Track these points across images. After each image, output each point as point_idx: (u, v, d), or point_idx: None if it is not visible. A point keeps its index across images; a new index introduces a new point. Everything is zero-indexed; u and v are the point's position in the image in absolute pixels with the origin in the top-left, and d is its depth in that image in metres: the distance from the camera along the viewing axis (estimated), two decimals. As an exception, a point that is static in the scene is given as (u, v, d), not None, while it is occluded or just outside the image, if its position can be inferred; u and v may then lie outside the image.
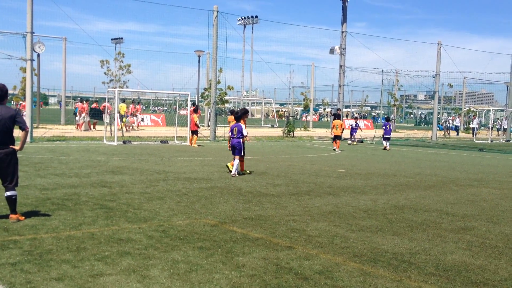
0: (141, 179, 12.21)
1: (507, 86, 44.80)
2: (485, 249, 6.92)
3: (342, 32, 35.00)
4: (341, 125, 25.05)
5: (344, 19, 34.97)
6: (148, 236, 6.94)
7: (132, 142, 24.17)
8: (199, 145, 24.03)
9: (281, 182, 12.60)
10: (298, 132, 38.45)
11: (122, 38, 63.54)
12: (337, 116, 26.32)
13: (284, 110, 77.43)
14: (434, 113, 40.95)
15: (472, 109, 52.70)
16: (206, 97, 33.14)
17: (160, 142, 25.20)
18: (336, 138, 24.72)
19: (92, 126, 34.09)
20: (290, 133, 34.42)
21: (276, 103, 79.76)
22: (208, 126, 34.91)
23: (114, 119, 25.47)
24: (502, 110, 51.63)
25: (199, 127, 24.16)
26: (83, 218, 7.88)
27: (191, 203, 9.42)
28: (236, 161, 13.60)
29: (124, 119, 35.71)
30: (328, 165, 17.41)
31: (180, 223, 7.80)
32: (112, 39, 59.03)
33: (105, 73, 28.32)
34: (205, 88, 35.49)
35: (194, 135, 23.89)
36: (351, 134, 30.67)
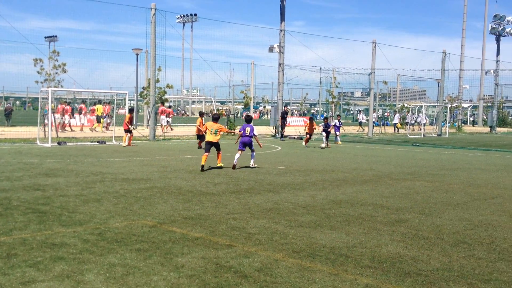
0: (77, 181, 11.86)
1: (438, 82, 46.65)
2: (418, 240, 7.17)
3: (281, 30, 35.33)
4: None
5: (282, 18, 35.31)
6: (83, 240, 6.74)
7: (68, 143, 23.43)
8: (134, 145, 23.55)
9: (221, 181, 12.58)
10: (239, 130, 38.50)
11: (56, 36, 61.39)
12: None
13: (224, 108, 77.41)
14: (370, 110, 42.09)
15: (406, 105, 54.52)
16: (145, 96, 32.59)
17: (97, 142, 24.58)
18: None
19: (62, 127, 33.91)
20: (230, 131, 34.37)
21: (216, 102, 79.55)
22: (148, 125, 34.37)
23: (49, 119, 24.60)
24: (434, 106, 53.72)
25: (132, 128, 23.66)
26: (14, 223, 7.56)
27: (129, 204, 9.23)
28: (253, 154, 15.98)
29: (102, 120, 35.36)
30: (269, 162, 17.54)
31: (117, 225, 7.62)
32: (45, 37, 57.00)
33: (38, 72, 27.28)
34: (143, 87, 34.88)
35: (128, 134, 23.31)
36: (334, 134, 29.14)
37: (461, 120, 59.36)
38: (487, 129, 54.73)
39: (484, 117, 65.83)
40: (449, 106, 49.21)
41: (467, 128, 59.78)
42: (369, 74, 40.65)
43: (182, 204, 9.41)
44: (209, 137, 15.28)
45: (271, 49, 36.42)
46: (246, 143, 15.86)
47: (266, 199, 10.14)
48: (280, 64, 35.70)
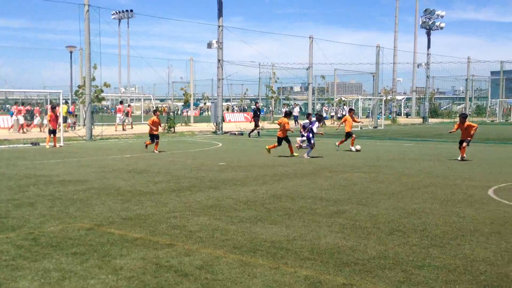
0: (9, 185, 11.38)
1: (373, 76, 47.98)
2: (355, 230, 7.36)
3: (219, 26, 35.22)
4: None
5: (220, 14, 35.20)
6: (16, 245, 6.48)
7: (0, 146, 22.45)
8: (59, 146, 22.64)
9: (162, 179, 12.42)
10: (179, 128, 38.16)
11: (-18, 34, 58.46)
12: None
13: (164, 106, 76.43)
14: (309, 104, 42.77)
15: (343, 98, 55.80)
16: (80, 95, 31.68)
17: (31, 144, 23.67)
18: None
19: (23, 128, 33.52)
20: (170, 129, 34.05)
21: (156, 99, 78.42)
22: (84, 125, 33.43)
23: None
24: (370, 99, 55.22)
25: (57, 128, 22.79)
26: None
27: (65, 207, 8.95)
28: (311, 149, 17.64)
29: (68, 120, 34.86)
30: (210, 159, 17.49)
31: (53, 229, 7.38)
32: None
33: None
34: (79, 85, 33.89)
35: (52, 134, 22.39)
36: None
37: (396, 112, 61.36)
38: (420, 120, 56.82)
39: (417, 108, 68.31)
40: (384, 98, 50.76)
41: (402, 119, 61.83)
42: (307, 69, 41.29)
43: (121, 204, 9.23)
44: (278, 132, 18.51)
45: (209, 45, 36.25)
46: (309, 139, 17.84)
47: (207, 196, 10.11)
48: (219, 60, 35.61)
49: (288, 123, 18.74)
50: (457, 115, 57.84)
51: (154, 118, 20.23)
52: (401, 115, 74.39)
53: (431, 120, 57.08)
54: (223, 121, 39.24)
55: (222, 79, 35.88)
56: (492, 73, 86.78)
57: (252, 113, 33.17)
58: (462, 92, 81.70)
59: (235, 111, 75.90)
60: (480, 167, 15.02)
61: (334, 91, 65.22)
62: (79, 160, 17.09)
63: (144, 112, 63.48)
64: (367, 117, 54.85)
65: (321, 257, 6.02)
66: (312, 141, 18.03)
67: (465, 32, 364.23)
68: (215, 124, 35.20)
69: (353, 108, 26.27)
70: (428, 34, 58.90)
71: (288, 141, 18.54)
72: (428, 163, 16.24)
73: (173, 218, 8.14)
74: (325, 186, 11.48)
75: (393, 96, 60.94)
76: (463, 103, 68.15)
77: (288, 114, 19.61)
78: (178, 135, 31.98)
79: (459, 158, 16.68)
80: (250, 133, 30.98)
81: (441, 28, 59.26)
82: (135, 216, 8.27)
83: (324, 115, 51.27)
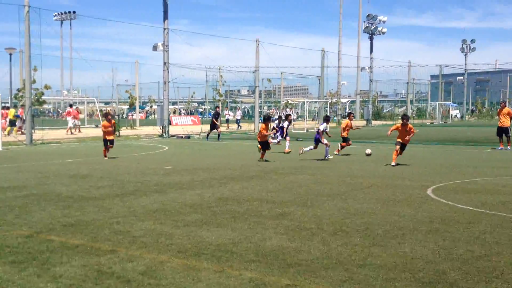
0: None
1: (319, 79, 48.74)
2: (300, 232, 7.44)
3: (164, 29, 34.86)
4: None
5: (165, 16, 34.84)
6: None
7: None
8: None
9: (105, 184, 12.16)
10: (125, 131, 37.47)
11: None
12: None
13: (109, 109, 74.94)
14: (256, 107, 42.96)
15: (289, 101, 56.37)
16: (20, 98, 30.59)
17: (-33, 149, 22.64)
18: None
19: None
20: (116, 133, 33.36)
21: (100, 102, 76.73)
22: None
23: None
24: (316, 102, 56.04)
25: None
26: None
27: (2, 215, 8.61)
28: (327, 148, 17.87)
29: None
30: (155, 163, 17.27)
31: (-11, 237, 7.08)
32: None
33: None
34: (18, 88, 32.71)
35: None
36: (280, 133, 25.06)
37: (341, 114, 62.54)
38: (364, 122, 58.16)
39: (361, 111, 69.88)
40: (329, 101, 51.66)
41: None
42: (253, 72, 41.46)
43: (62, 210, 8.97)
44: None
45: (155, 48, 35.78)
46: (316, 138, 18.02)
47: (152, 200, 9.97)
48: (165, 63, 35.23)
49: (264, 128, 17.92)
50: (399, 116, 59.45)
51: (105, 122, 19.11)
52: (346, 117, 75.87)
53: (374, 122, 58.54)
54: (170, 124, 38.86)
55: (168, 82, 35.52)
56: (432, 76, 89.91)
57: (211, 116, 33.12)
58: (404, 95, 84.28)
59: (182, 114, 75.28)
60: (419, 167, 15.52)
61: (281, 94, 65.80)
62: (19, 165, 16.48)
63: (87, 115, 61.93)
64: (313, 119, 55.68)
65: (266, 259, 6.06)
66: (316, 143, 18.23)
67: (406, 37, 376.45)
68: (161, 127, 34.79)
69: (352, 112, 22.88)
70: (371, 39, 60.41)
71: (264, 147, 17.92)
72: (371, 164, 16.64)
73: (116, 223, 7.98)
74: (271, 188, 11.56)
75: (338, 99, 62.09)
76: (405, 105, 70.21)
77: (266, 119, 18.53)
78: (123, 139, 31.38)
79: (393, 164, 15.78)
80: (207, 135, 31.06)
81: (383, 33, 60.91)
82: (76, 222, 8.06)
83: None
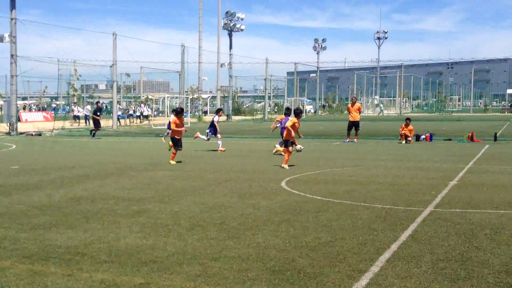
0: None
1: (180, 74, 48.58)
2: (156, 228, 7.34)
3: (12, 19, 32.29)
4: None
5: (13, 5, 32.27)
6: None
7: None
8: None
9: None
10: (-35, 129, 34.12)
11: None
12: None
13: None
14: (114, 102, 41.65)
15: (150, 97, 55.43)
16: None
17: None
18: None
19: None
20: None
21: None
22: None
23: None
24: (177, 97, 55.81)
25: None
26: None
27: None
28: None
29: None
30: (0, 163, 15.94)
31: None
32: None
33: None
34: None
35: None
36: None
37: (202, 110, 62.97)
38: (224, 117, 59.13)
39: (222, 106, 70.99)
40: (191, 97, 51.74)
41: (208, 118, 63.63)
42: (111, 66, 40.11)
43: None
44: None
45: (1, 39, 33.05)
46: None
47: (-6, 204, 9.18)
48: (12, 56, 32.67)
49: (176, 122, 15.44)
50: (257, 112, 61.37)
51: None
52: (207, 113, 76.63)
53: (234, 118, 59.82)
54: (19, 121, 36.19)
55: (17, 76, 33.00)
56: (288, 73, 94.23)
57: (93, 113, 30.75)
58: (263, 91, 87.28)
59: (33, 110, 70.43)
60: (274, 161, 16.13)
61: (141, 89, 64.53)
62: None
63: None
64: (138, 117, 55.23)
65: (119, 259, 5.88)
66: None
67: (264, 35, 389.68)
68: (8, 124, 32.22)
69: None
70: (230, 36, 61.48)
71: (177, 145, 15.51)
72: (229, 158, 16.96)
73: (-49, 230, 7.22)
74: (128, 185, 11.26)
75: (199, 94, 62.43)
76: (263, 101, 72.65)
77: (179, 112, 15.81)
78: (-37, 137, 28.55)
79: (286, 167, 13.99)
80: (93, 134, 28.20)
81: (242, 30, 62.28)
82: None
83: (131, 112, 50.40)
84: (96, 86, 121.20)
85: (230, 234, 7.02)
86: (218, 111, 20.95)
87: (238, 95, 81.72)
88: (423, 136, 24.65)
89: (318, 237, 6.81)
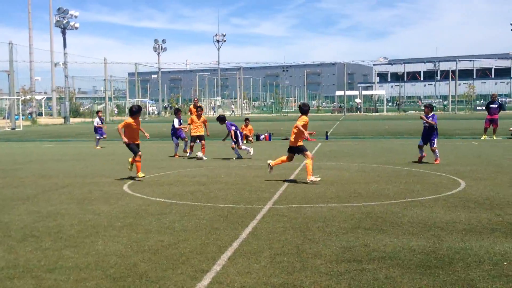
0: None
1: (8, 74, 44.79)
2: (-18, 242, 6.68)
3: None
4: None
5: None
6: None
7: None
8: None
9: None
10: None
11: None
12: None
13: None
14: None
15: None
16: None
17: None
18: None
19: None
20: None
21: None
22: None
23: None
24: (6, 99, 51.40)
25: None
26: None
27: None
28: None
29: None
30: None
31: None
32: None
33: None
34: None
35: None
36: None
37: (36, 112, 58.83)
38: (62, 120, 55.91)
39: (59, 108, 66.99)
40: (23, 98, 47.94)
41: (43, 120, 59.52)
42: None
43: None
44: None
45: None
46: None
47: None
48: None
49: (127, 124, 12.50)
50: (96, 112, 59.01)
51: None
52: (42, 115, 71.68)
53: (72, 120, 56.82)
54: None
55: None
56: (129, 74, 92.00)
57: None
58: (103, 92, 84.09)
59: None
60: (116, 164, 15.64)
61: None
62: None
63: None
64: (4, 118, 50.94)
65: None
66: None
67: (102, 34, 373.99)
68: None
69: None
70: (64, 34, 58.22)
71: (133, 151, 12.46)
72: (68, 163, 16.08)
73: None
74: None
75: (32, 95, 58.18)
76: (103, 102, 70.00)
77: (135, 112, 12.57)
78: None
79: (316, 179, 11.30)
80: None
81: (76, 28, 59.23)
82: None
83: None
84: None
85: (67, 243, 6.65)
86: (176, 112, 19.23)
87: (76, 96, 77.74)
88: (263, 136, 25.74)
89: (160, 240, 6.75)
